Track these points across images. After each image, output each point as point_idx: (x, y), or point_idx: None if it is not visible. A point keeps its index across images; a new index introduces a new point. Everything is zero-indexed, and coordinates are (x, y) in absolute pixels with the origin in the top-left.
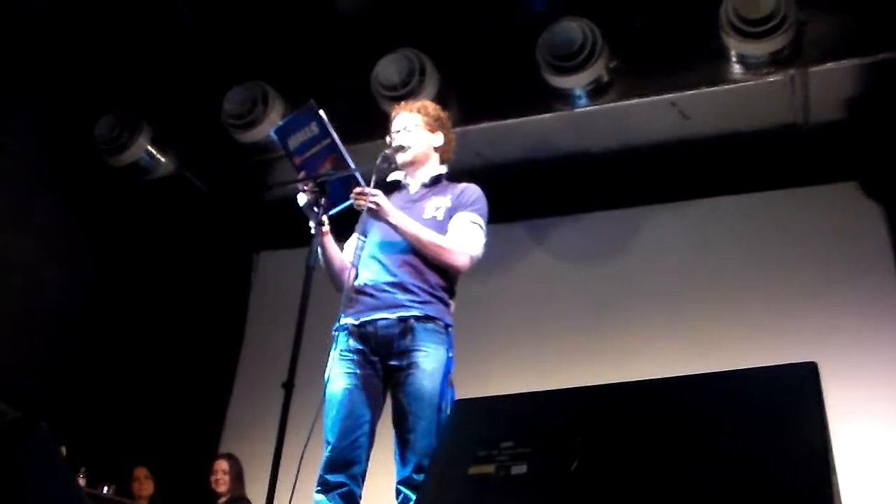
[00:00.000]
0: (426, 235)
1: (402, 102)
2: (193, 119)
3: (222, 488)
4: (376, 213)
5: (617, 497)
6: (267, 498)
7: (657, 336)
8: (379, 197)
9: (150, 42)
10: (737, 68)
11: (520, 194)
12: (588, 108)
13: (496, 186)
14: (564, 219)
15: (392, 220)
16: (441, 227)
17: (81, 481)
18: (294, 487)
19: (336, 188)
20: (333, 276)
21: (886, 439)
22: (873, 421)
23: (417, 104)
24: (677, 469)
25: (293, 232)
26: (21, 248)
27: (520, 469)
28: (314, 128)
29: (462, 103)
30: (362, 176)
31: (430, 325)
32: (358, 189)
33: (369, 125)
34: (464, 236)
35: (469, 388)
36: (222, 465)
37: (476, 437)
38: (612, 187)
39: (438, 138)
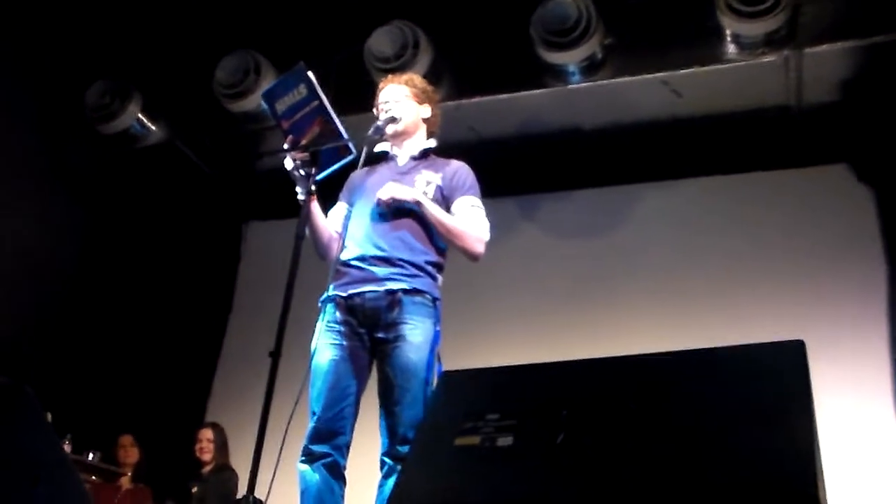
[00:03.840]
0: (450, 221)
1: (390, 75)
2: (185, 88)
3: (207, 457)
4: (400, 201)
5: (602, 469)
6: (251, 467)
7: (646, 313)
8: (392, 192)
9: (142, 9)
10: (731, 48)
11: (511, 169)
12: (581, 85)
13: (488, 161)
14: (555, 195)
15: (419, 199)
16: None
17: (67, 448)
18: (279, 457)
19: (324, 151)
20: (319, 245)
21: (871, 417)
22: (858, 399)
23: (405, 76)
24: (662, 444)
25: (283, 202)
26: (9, 216)
27: (505, 441)
28: (302, 90)
29: (455, 77)
30: (355, 146)
31: (417, 299)
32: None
33: (362, 97)
34: (474, 223)
35: (458, 361)
36: (207, 433)
37: (462, 409)
38: (604, 164)
39: (426, 110)
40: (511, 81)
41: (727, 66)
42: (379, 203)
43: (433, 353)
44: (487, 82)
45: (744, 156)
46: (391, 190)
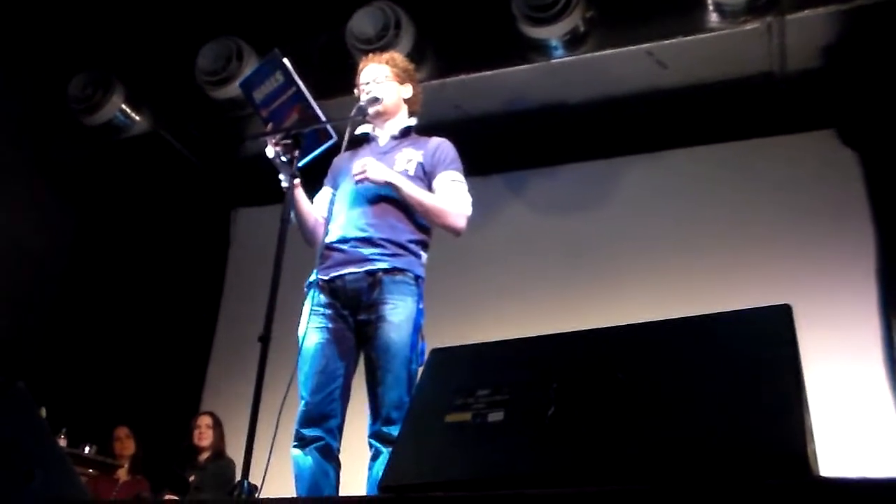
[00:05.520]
0: (427, 199)
1: (370, 54)
2: (167, 77)
3: (205, 442)
4: (373, 181)
5: (593, 442)
6: (245, 453)
7: (636, 285)
8: (367, 168)
9: None
10: (713, 16)
11: (497, 146)
12: (565, 59)
13: (474, 138)
14: (542, 170)
15: (393, 181)
16: (411, 181)
17: (62, 442)
18: (273, 442)
19: (305, 138)
20: (306, 230)
21: (862, 379)
22: (847, 362)
23: (386, 56)
24: (653, 413)
25: (271, 188)
26: None
27: (496, 416)
28: (279, 77)
29: (438, 56)
30: (337, 129)
31: (398, 277)
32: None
33: (345, 79)
34: (454, 198)
35: (445, 339)
36: (206, 419)
37: (452, 386)
38: (590, 138)
39: (408, 90)
40: (494, 58)
41: (710, 34)
42: (353, 177)
43: (416, 332)
44: (471, 60)
45: (730, 124)
46: (367, 168)
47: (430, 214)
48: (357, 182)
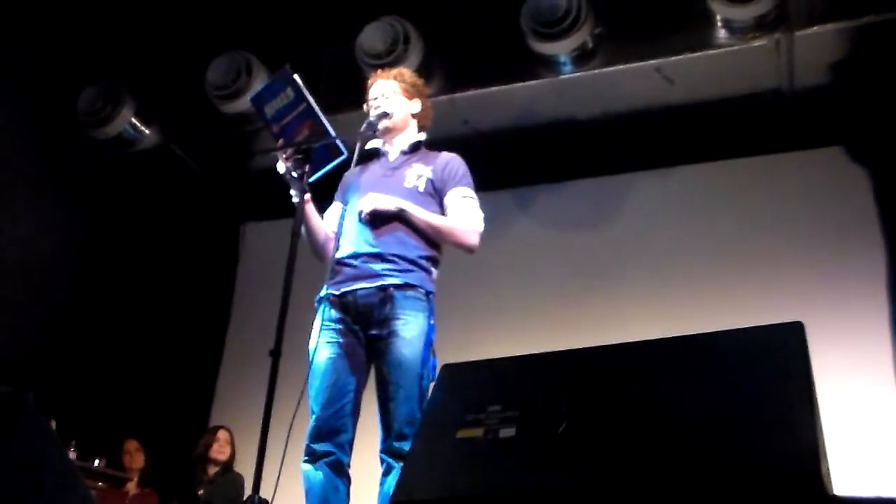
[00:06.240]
0: (437, 221)
1: (379, 70)
2: (177, 90)
3: (223, 456)
4: (382, 212)
5: (604, 459)
6: (256, 467)
7: (644, 302)
8: (374, 203)
9: (132, 13)
10: (722, 33)
11: (506, 162)
12: (573, 75)
13: (482, 154)
14: (551, 186)
15: (402, 208)
16: (421, 198)
17: (72, 454)
18: (283, 456)
19: (316, 153)
20: (316, 245)
21: (873, 398)
22: (858, 379)
23: (394, 71)
24: (664, 429)
25: (280, 202)
26: (8, 224)
27: (508, 432)
28: (290, 93)
29: (447, 71)
30: (347, 144)
31: (410, 293)
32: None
33: (354, 94)
34: (466, 214)
35: (455, 355)
36: (224, 434)
37: (464, 402)
38: (599, 154)
39: (416, 105)
40: (503, 74)
41: (719, 51)
42: (361, 215)
43: (427, 348)
44: (479, 75)
45: (738, 141)
46: (373, 202)
47: (440, 235)
48: (366, 218)
